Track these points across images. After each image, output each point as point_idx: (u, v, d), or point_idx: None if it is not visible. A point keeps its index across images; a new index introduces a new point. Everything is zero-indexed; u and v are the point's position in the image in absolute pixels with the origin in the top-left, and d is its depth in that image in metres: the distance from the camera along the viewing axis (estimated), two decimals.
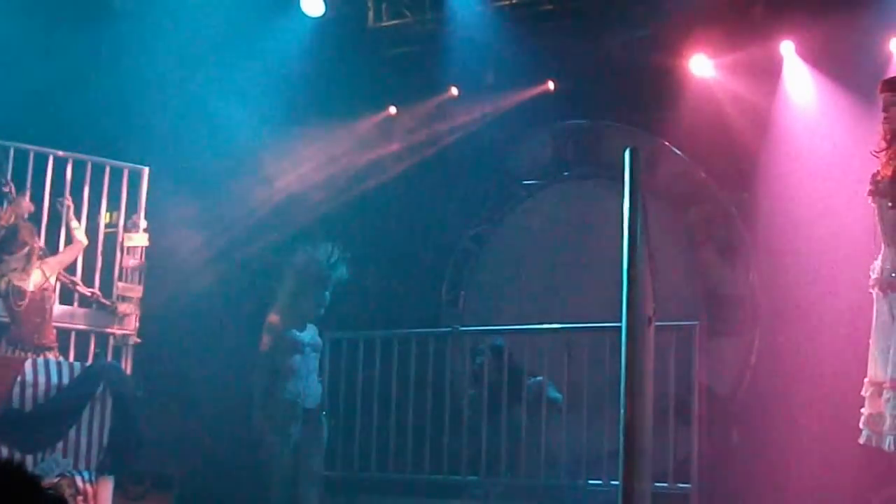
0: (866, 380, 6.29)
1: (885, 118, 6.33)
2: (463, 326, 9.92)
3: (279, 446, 8.53)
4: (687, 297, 9.80)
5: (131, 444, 8.22)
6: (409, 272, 8.84)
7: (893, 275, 6.17)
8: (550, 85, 10.73)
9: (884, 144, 6.33)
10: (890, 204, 6.21)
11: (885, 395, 6.07)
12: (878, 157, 6.38)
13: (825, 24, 9.19)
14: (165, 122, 9.51)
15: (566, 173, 10.90)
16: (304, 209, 10.55)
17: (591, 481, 8.73)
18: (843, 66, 8.86)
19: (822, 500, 8.40)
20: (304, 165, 10.65)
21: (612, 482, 8.21)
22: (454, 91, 10.99)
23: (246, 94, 9.87)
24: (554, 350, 8.83)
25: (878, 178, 6.29)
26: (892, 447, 6.03)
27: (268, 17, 10.24)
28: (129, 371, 8.71)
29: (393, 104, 11.13)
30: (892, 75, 6.40)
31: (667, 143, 10.16)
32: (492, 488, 8.94)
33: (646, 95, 10.10)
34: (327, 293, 8.69)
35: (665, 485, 8.17)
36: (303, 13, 10.37)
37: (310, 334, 8.75)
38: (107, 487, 7.74)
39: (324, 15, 10.43)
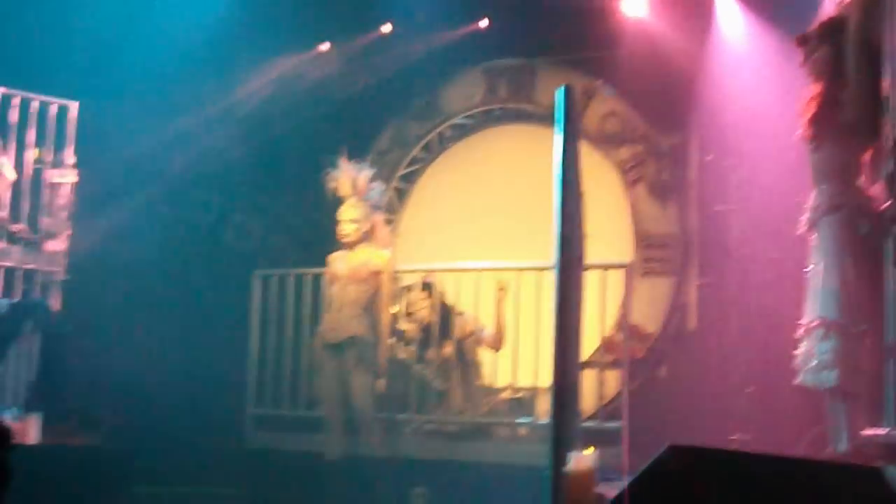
0: (802, 321, 6.41)
1: (807, 71, 6.49)
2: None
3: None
4: (617, 237, 9.92)
5: (59, 382, 8.20)
6: (330, 210, 8.85)
7: (815, 215, 6.31)
8: (484, 22, 10.72)
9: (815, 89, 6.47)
10: (813, 145, 6.35)
11: (814, 333, 6.21)
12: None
13: None
14: (96, 55, 9.34)
15: (499, 112, 10.94)
16: (235, 146, 10.51)
17: (522, 419, 8.87)
18: (775, 5, 8.93)
19: (754, 438, 8.56)
20: (236, 101, 10.59)
21: (543, 421, 8.43)
22: (386, 28, 10.94)
23: (175, 28, 9.72)
24: (484, 290, 8.90)
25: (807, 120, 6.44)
26: (820, 384, 6.17)
27: None
28: (57, 308, 8.68)
29: (325, 41, 11.03)
30: (810, 28, 6.52)
31: (600, 83, 10.20)
32: (421, 425, 9.02)
33: (580, 34, 10.10)
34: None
35: (594, 423, 8.27)
36: None
37: (344, 262, 8.80)
38: (34, 425, 7.71)
39: None
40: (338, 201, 8.89)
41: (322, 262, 9.09)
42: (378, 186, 9.05)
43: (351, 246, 8.81)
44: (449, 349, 8.97)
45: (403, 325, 9.22)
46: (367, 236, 8.85)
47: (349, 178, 8.83)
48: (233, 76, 10.54)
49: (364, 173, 8.92)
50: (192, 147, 10.19)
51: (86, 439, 8.03)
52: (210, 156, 10.29)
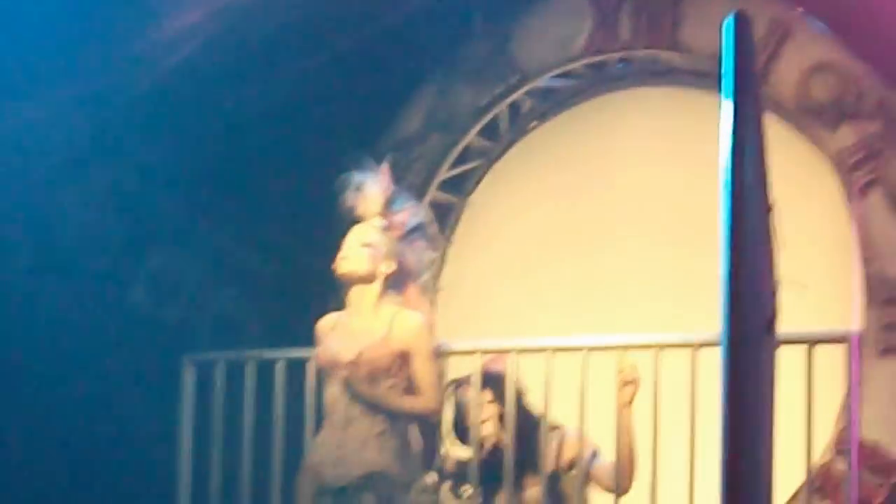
0: None
1: None
2: None
3: None
4: (835, 286, 9.91)
5: None
6: (324, 244, 8.98)
7: None
8: None
9: None
10: None
11: None
12: None
13: None
14: None
15: (619, 67, 10.99)
16: (143, 134, 10.44)
17: None
18: None
19: None
20: (144, 55, 10.55)
21: None
22: None
23: None
24: (596, 384, 8.84)
25: None
26: None
27: None
28: None
29: None
30: None
31: (800, 12, 10.18)
32: None
33: None
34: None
35: None
36: None
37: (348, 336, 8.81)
38: None
39: None
40: (344, 228, 8.90)
41: (305, 340, 9.11)
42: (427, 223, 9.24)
43: (355, 283, 8.78)
44: (535, 491, 8.93)
45: (455, 451, 9.19)
46: (389, 287, 8.84)
47: (383, 192, 8.89)
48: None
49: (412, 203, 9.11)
50: (58, 133, 10.16)
51: None
52: (98, 149, 10.29)
